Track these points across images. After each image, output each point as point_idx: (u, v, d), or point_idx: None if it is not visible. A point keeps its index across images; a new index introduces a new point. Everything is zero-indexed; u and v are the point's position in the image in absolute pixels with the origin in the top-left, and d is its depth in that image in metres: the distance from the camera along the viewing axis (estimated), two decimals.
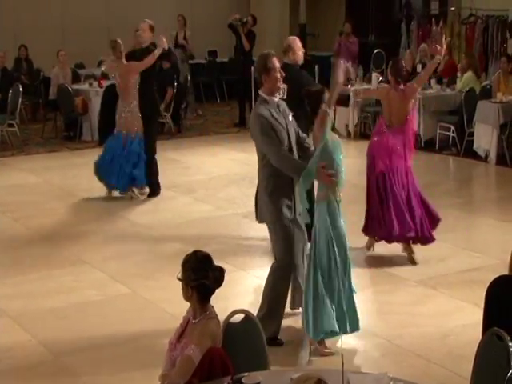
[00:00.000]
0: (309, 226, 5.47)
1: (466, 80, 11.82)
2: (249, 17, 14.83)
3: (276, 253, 5.56)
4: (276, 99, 5.38)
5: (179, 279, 3.79)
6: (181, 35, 14.88)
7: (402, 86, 7.21)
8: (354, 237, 7.76)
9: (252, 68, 13.60)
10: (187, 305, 3.93)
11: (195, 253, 3.83)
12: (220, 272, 3.78)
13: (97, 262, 7.32)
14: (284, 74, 5.37)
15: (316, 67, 13.44)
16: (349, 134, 12.97)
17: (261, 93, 5.38)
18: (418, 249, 7.45)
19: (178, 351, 3.76)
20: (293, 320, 5.79)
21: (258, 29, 15.16)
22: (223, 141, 12.77)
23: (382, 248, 7.54)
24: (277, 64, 5.34)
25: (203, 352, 3.63)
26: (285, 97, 5.68)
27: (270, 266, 5.63)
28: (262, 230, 6.93)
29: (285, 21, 17.46)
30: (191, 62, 15.95)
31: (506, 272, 4.49)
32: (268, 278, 5.58)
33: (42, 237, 8.17)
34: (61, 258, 7.49)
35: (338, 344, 5.51)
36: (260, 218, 5.64)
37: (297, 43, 7.23)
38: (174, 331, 3.95)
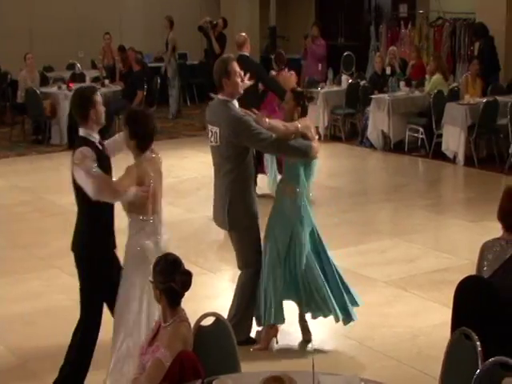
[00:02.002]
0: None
1: (434, 82, 11.91)
2: (219, 19, 14.83)
3: (247, 261, 5.50)
4: (237, 102, 5.38)
5: (150, 281, 3.82)
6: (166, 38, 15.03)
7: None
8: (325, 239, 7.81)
9: None
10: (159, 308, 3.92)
11: (165, 256, 3.86)
12: (188, 276, 3.78)
13: (66, 267, 7.22)
14: (243, 75, 5.37)
15: (286, 70, 13.44)
16: (319, 137, 12.99)
17: (222, 97, 5.34)
18: (387, 249, 7.50)
19: (149, 355, 3.75)
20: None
21: (228, 32, 15.15)
22: (193, 143, 12.75)
23: (352, 249, 7.58)
24: (237, 68, 5.33)
25: (174, 355, 3.62)
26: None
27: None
28: None
29: (255, 24, 17.46)
30: (157, 64, 15.94)
31: (474, 272, 4.53)
32: (240, 288, 5.55)
33: (10, 241, 8.08)
34: (29, 262, 7.42)
35: (309, 346, 5.53)
36: (230, 225, 5.45)
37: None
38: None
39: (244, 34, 9.39)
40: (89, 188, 4.50)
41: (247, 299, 5.51)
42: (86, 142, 4.66)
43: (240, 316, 5.47)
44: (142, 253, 4.60)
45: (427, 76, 12.29)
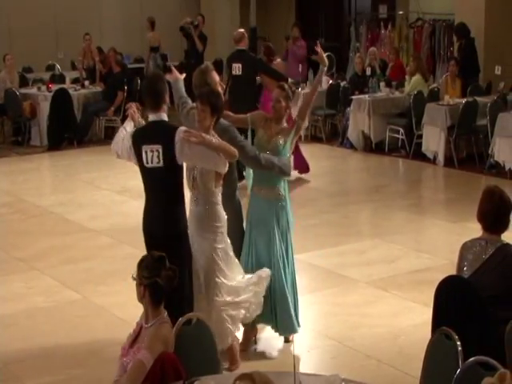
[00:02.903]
0: None
1: (414, 83, 11.97)
2: (198, 17, 14.82)
3: None
4: None
5: (133, 278, 3.82)
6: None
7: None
8: (305, 240, 7.83)
9: None
10: (139, 310, 3.91)
11: (151, 253, 3.90)
12: (173, 272, 3.80)
13: (47, 269, 7.22)
14: (224, 86, 5.45)
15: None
16: (300, 137, 13.00)
17: None
18: (367, 250, 7.54)
19: (130, 356, 3.74)
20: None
21: (209, 33, 15.17)
22: None
23: (333, 250, 7.60)
24: (217, 78, 5.37)
25: (155, 357, 3.62)
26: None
27: None
28: None
29: (235, 25, 17.48)
30: (137, 65, 15.93)
31: (454, 272, 4.56)
32: None
33: None
34: (10, 264, 7.38)
35: (291, 347, 5.55)
36: None
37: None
38: (125, 337, 3.93)
39: (242, 30, 10.31)
40: (218, 157, 4.62)
41: None
42: (169, 123, 4.75)
43: None
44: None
45: (407, 77, 12.35)
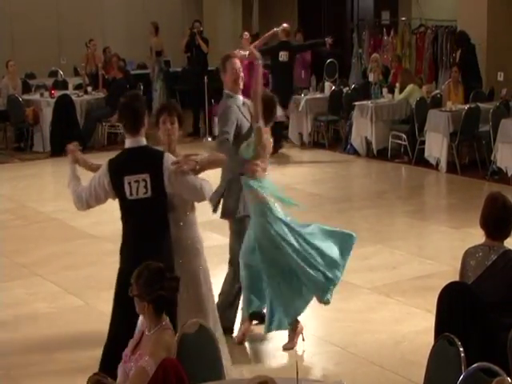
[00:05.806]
0: None
1: (409, 92, 11.93)
2: (196, 23, 14.87)
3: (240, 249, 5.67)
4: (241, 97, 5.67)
5: (132, 294, 3.73)
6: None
7: None
8: None
9: (205, 78, 13.62)
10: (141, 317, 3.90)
11: (147, 266, 3.76)
12: (176, 281, 3.76)
13: (49, 274, 7.22)
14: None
15: (269, 76, 13.47)
16: (303, 143, 13.04)
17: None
18: (370, 256, 7.53)
19: (132, 363, 3.73)
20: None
21: (212, 38, 15.18)
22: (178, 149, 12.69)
23: None
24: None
25: (157, 363, 3.61)
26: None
27: (225, 273, 5.81)
28: (216, 240, 6.94)
29: (238, 30, 17.51)
30: (140, 71, 15.96)
31: (456, 278, 4.55)
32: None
33: None
34: (12, 270, 7.38)
35: (293, 352, 5.54)
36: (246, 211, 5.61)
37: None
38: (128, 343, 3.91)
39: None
40: (201, 190, 4.55)
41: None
42: (153, 148, 4.70)
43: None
44: None
45: (397, 84, 12.31)
